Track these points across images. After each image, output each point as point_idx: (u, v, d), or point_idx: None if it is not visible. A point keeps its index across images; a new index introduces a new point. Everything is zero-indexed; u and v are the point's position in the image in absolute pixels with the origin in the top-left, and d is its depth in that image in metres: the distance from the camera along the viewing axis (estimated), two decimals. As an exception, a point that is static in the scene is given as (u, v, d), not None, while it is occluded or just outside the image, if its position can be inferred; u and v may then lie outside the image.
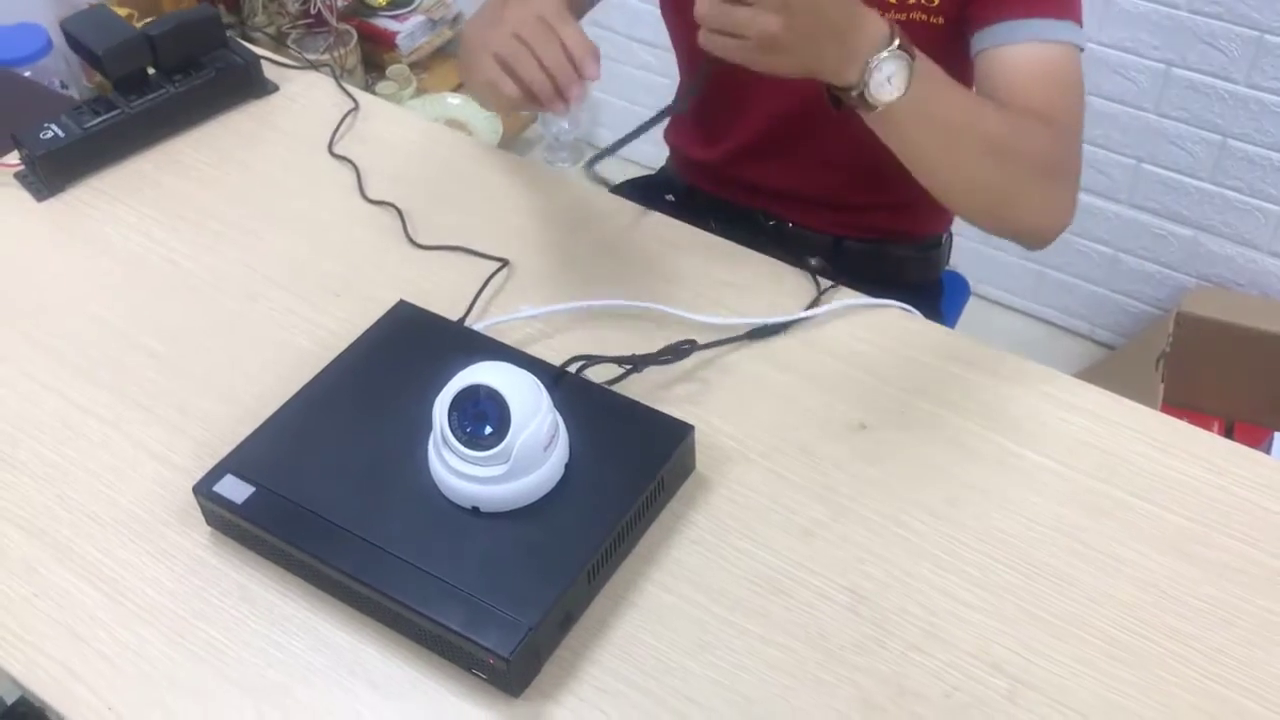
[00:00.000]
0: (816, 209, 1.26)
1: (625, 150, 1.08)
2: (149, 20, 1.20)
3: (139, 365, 1.01)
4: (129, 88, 1.20)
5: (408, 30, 2.62)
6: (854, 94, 0.86)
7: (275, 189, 1.19)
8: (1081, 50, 1.01)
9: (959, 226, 1.37)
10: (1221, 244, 1.98)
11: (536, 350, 0.97)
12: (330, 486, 0.84)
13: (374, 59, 2.63)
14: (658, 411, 0.89)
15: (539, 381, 0.83)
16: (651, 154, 1.43)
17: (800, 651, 0.80)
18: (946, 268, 1.41)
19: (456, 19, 2.74)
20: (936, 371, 0.99)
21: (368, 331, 0.96)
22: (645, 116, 1.04)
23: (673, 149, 1.42)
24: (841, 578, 0.84)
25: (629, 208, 1.16)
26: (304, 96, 1.32)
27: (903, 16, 1.04)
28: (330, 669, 0.80)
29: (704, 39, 0.83)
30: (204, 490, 0.84)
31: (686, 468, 0.90)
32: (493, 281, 1.06)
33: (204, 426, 0.95)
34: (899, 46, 0.85)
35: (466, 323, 1.00)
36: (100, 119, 1.18)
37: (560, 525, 0.82)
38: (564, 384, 0.91)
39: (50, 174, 1.17)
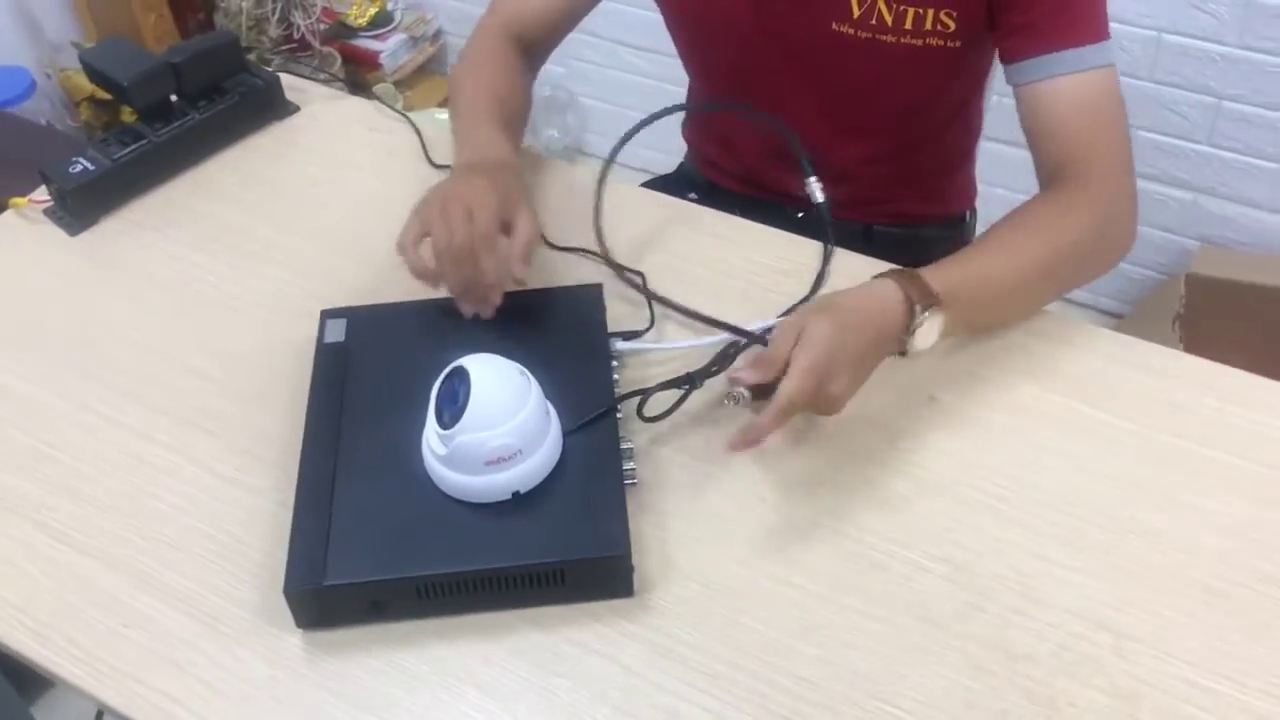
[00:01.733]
0: (842, 204, 1.26)
1: (632, 159, 1.11)
2: (168, 48, 1.19)
3: (195, 390, 1.00)
4: (154, 116, 1.20)
5: (390, 49, 2.62)
6: (906, 354, 0.92)
7: (307, 205, 1.19)
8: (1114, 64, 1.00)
9: (979, 200, 1.38)
10: (1222, 205, 2.01)
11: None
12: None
13: (358, 79, 2.62)
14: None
15: (517, 365, 0.85)
16: (659, 160, 1.44)
17: (904, 624, 0.81)
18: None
19: (437, 35, 2.74)
20: (997, 340, 0.99)
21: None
22: (633, 121, 1.06)
23: (690, 146, 1.42)
24: (934, 548, 0.85)
25: (659, 198, 1.16)
26: (325, 114, 1.32)
27: (919, 43, 1.05)
28: (436, 678, 0.79)
29: (774, 422, 0.85)
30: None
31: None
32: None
33: (268, 444, 0.95)
34: (922, 309, 0.89)
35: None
36: (128, 149, 1.17)
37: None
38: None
39: (82, 207, 1.16)
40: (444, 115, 2.59)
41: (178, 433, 0.97)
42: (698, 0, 1.15)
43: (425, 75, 2.74)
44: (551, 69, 2.69)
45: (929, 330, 0.90)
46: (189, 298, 1.10)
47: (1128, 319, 2.08)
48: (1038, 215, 0.97)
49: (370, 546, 0.81)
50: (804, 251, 1.09)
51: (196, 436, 0.96)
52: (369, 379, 0.90)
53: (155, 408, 0.99)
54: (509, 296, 1.00)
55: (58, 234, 1.17)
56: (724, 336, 0.98)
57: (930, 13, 1.03)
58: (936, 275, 0.91)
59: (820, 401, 0.86)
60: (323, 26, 2.57)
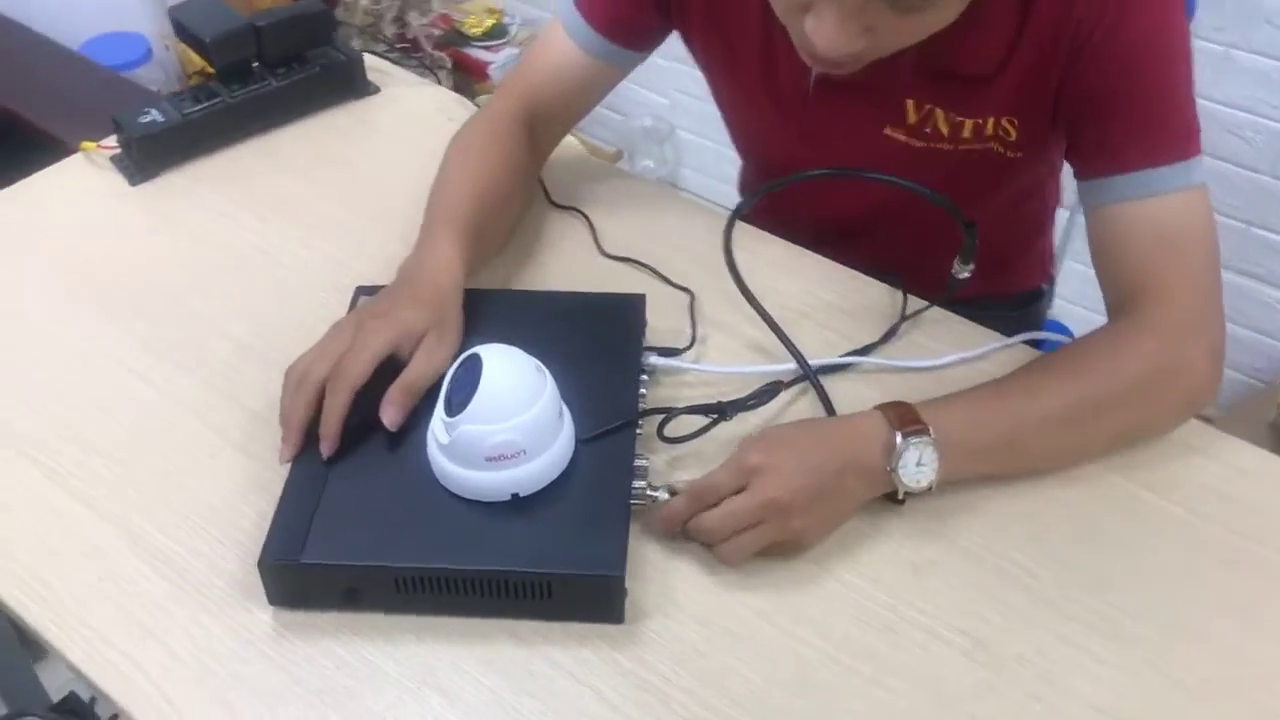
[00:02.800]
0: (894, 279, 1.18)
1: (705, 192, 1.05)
2: (258, 12, 1.18)
3: (224, 353, 0.98)
4: (231, 77, 1.19)
5: (500, 62, 2.62)
6: (903, 494, 0.82)
7: (373, 187, 1.17)
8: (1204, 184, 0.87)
9: (1061, 275, 1.30)
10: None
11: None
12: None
13: (465, 88, 2.63)
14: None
15: (536, 362, 0.80)
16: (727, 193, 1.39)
17: (911, 695, 0.74)
18: (1049, 318, 1.35)
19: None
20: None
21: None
22: (730, 160, 1.04)
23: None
24: (956, 619, 0.78)
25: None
26: (406, 99, 1.30)
27: (979, 147, 0.96)
28: (402, 677, 0.75)
29: (721, 555, 0.80)
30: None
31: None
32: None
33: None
34: (905, 434, 0.79)
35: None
36: (200, 106, 1.16)
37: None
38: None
39: (145, 158, 1.15)
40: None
41: (197, 393, 0.94)
42: (748, 100, 1.08)
43: (533, 91, 2.74)
44: (654, 99, 2.67)
45: (919, 465, 0.79)
46: (235, 260, 1.08)
47: (1218, 423, 1.96)
48: (1080, 354, 0.86)
49: (355, 530, 0.77)
50: (871, 294, 1.03)
51: (214, 399, 0.94)
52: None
53: (180, 364, 0.97)
54: (547, 296, 0.96)
55: (119, 181, 1.16)
56: (766, 368, 0.93)
57: (990, 121, 0.93)
58: (929, 406, 0.81)
59: (781, 532, 0.78)
60: (437, 33, 2.59)
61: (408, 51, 2.54)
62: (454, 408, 0.77)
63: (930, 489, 0.80)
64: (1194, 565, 0.81)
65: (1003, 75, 0.90)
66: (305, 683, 0.75)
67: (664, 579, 0.80)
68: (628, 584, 0.78)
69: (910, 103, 0.94)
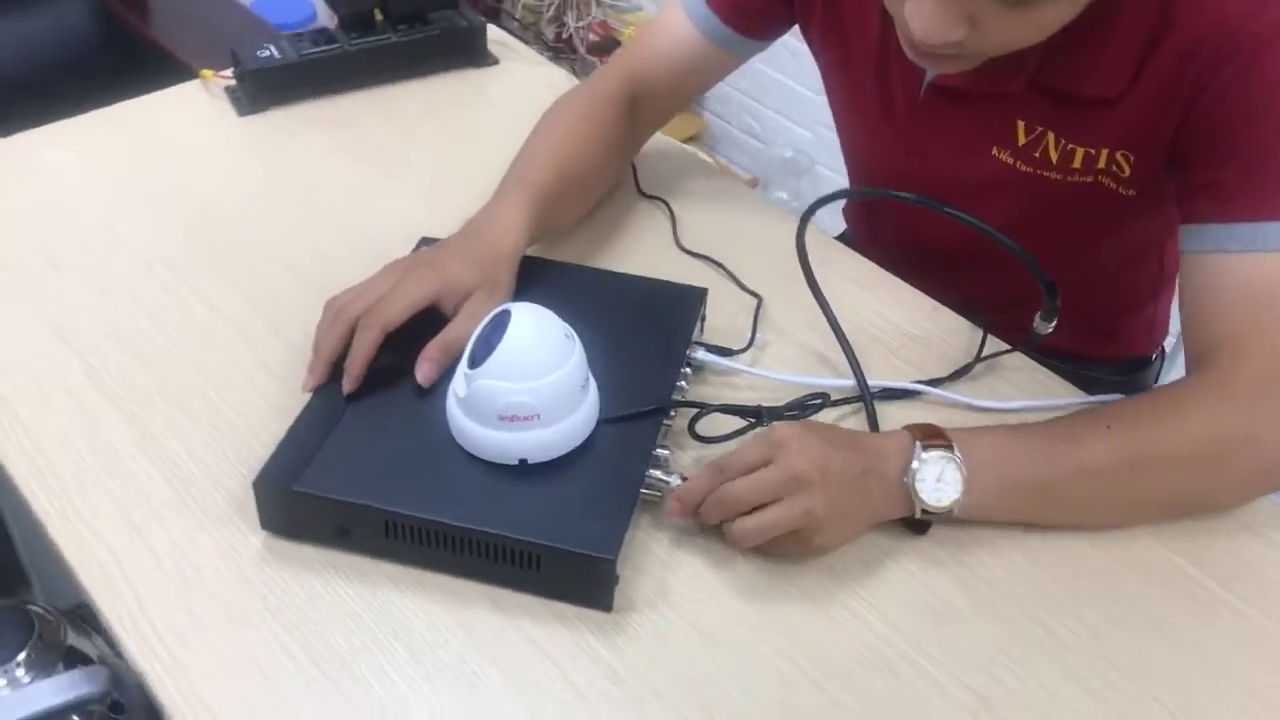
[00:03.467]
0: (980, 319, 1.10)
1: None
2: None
3: (284, 284, 0.98)
4: (353, 26, 1.20)
5: (651, 74, 2.62)
6: (920, 513, 0.76)
7: (472, 155, 1.16)
8: None
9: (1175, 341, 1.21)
10: None
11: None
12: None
13: (613, 95, 2.63)
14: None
15: (567, 328, 0.77)
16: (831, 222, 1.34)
17: (897, 743, 0.68)
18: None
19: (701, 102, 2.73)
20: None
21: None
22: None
23: (849, 224, 1.31)
24: (967, 674, 0.71)
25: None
26: (522, 75, 1.29)
27: (1088, 179, 0.89)
28: (374, 624, 0.72)
29: (736, 533, 0.75)
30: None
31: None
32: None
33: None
34: (926, 445, 0.75)
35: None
36: (318, 49, 1.18)
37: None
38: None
39: (257, 91, 1.17)
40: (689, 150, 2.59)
41: (247, 317, 0.94)
42: (859, 103, 1.03)
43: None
44: (798, 133, 2.63)
45: (939, 482, 0.74)
46: (317, 200, 1.08)
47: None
48: (1140, 406, 0.79)
49: (356, 468, 0.75)
50: (952, 329, 0.98)
51: (262, 326, 0.93)
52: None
53: (238, 288, 0.97)
54: (607, 275, 0.93)
55: (229, 111, 1.18)
56: (820, 380, 0.88)
57: (1104, 152, 0.87)
58: (962, 431, 0.77)
59: (800, 515, 0.73)
60: (594, 38, 2.61)
61: (561, 52, 2.56)
62: (475, 361, 0.74)
63: (951, 511, 0.75)
64: (1246, 668, 0.73)
65: (1122, 104, 0.83)
66: (276, 611, 0.73)
67: (663, 575, 0.76)
68: (623, 573, 0.74)
69: (1021, 123, 0.89)
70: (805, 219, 0.90)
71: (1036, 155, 0.90)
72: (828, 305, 0.88)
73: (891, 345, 0.95)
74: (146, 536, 0.76)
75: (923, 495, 0.74)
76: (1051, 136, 0.88)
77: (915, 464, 0.74)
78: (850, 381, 0.88)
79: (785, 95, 2.52)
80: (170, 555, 0.76)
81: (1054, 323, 0.88)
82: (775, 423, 0.77)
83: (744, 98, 2.65)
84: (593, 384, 0.79)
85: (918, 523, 0.77)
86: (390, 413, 0.79)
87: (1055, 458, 0.76)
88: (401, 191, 1.09)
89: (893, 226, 1.11)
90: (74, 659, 0.90)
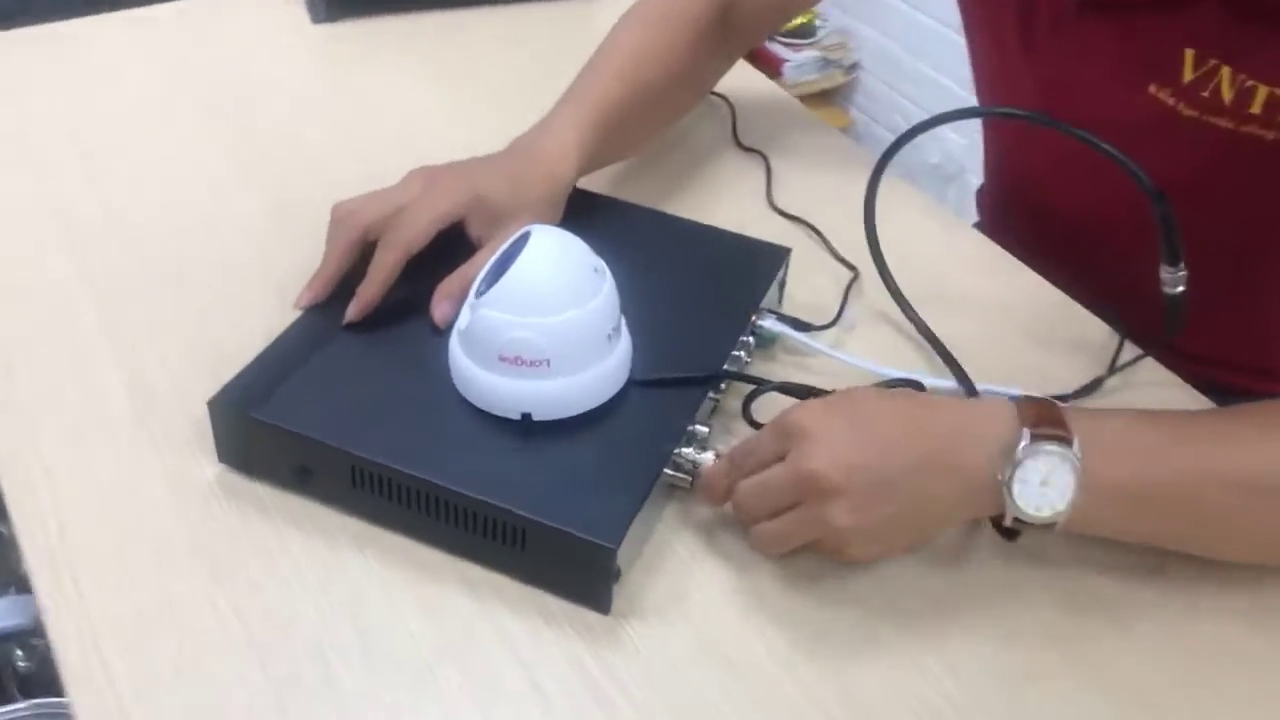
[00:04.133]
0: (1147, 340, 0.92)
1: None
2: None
3: (318, 198, 0.85)
4: (449, -62, 1.09)
5: (798, 61, 2.47)
6: (1012, 519, 0.58)
7: (555, 91, 1.03)
8: None
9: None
10: None
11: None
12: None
13: (754, 81, 2.49)
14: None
15: (598, 262, 0.63)
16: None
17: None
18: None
19: (853, 67, 2.56)
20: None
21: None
22: None
23: (981, 213, 1.14)
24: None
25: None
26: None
27: (1269, 135, 0.71)
28: (322, 588, 0.60)
29: (752, 541, 0.62)
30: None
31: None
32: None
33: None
34: (1036, 435, 0.56)
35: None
36: (406, -42, 1.07)
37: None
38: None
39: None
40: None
41: (269, 230, 0.83)
42: (995, 28, 0.87)
43: (825, 103, 2.57)
44: (953, 139, 2.44)
45: (1043, 485, 0.56)
46: (375, 116, 0.97)
47: None
48: None
49: (328, 401, 0.63)
50: (1084, 331, 0.80)
51: (282, 240, 0.82)
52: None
53: (269, 197, 0.86)
54: (675, 221, 0.79)
55: (302, 17, 1.08)
56: (912, 376, 0.72)
57: None
58: (1084, 414, 0.59)
59: (817, 526, 0.58)
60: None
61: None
62: (483, 288, 0.61)
63: (1053, 526, 0.58)
64: None
65: None
66: (212, 555, 0.61)
67: (681, 579, 0.61)
68: (630, 570, 0.60)
69: (1190, 53, 0.71)
70: (886, 157, 0.74)
71: (1205, 95, 0.72)
72: (894, 284, 0.72)
73: (1011, 345, 0.79)
74: (88, 449, 0.66)
75: (1019, 502, 0.57)
76: (1227, 71, 0.71)
77: (1018, 456, 0.56)
78: (951, 383, 0.72)
79: (938, 94, 2.33)
80: (109, 475, 0.64)
81: (1183, 269, 0.68)
82: (800, 402, 0.61)
83: (893, 93, 2.48)
84: (625, 336, 0.65)
85: (1006, 531, 0.61)
86: (386, 347, 0.67)
87: (1202, 460, 0.59)
88: (472, 124, 0.97)
89: (1020, 200, 0.94)
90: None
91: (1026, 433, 0.56)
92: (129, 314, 0.75)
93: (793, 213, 0.88)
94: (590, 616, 0.59)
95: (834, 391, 0.63)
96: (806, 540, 0.59)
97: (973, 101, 0.89)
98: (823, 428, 0.57)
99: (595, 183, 0.83)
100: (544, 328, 0.59)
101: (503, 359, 0.60)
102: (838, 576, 0.61)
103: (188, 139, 0.91)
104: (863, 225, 0.78)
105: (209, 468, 0.65)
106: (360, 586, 0.60)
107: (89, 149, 0.90)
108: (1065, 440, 0.56)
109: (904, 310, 0.73)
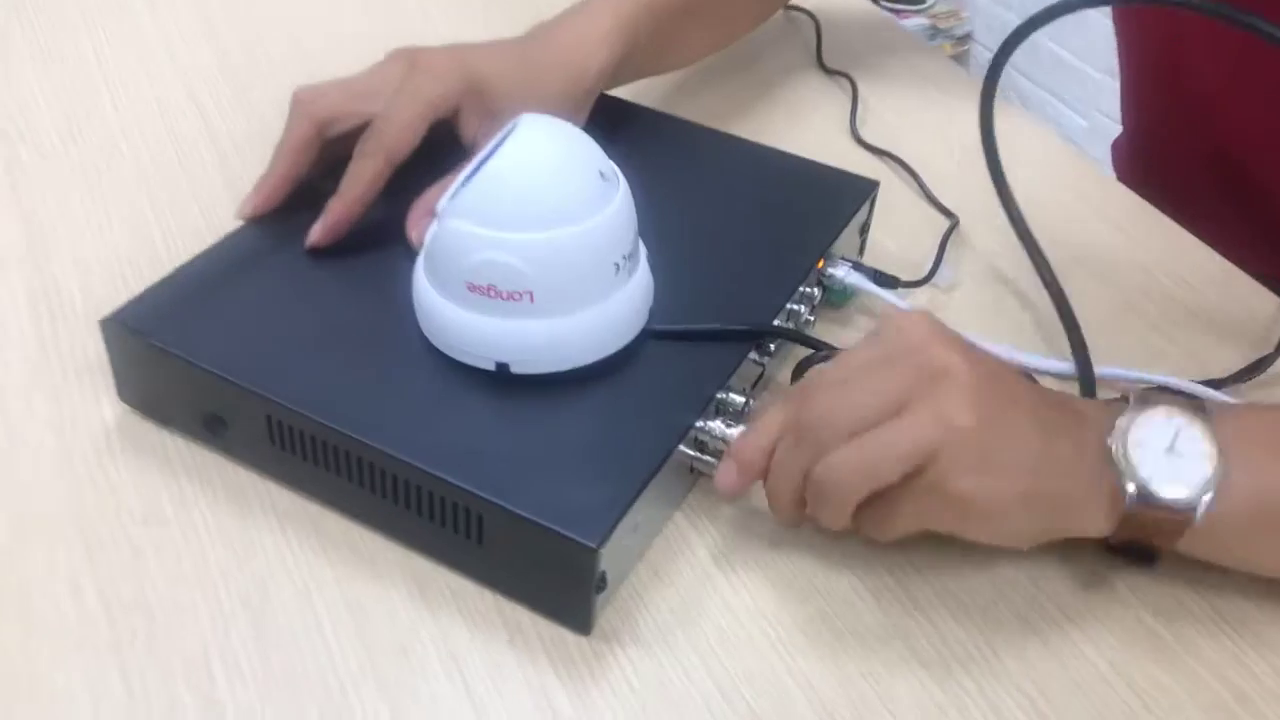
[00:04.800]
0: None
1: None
2: None
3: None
4: None
5: (906, 28, 2.28)
6: (1131, 504, 0.42)
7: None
8: None
9: None
10: None
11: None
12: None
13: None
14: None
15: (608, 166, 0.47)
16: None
17: None
18: None
19: (964, 38, 2.36)
20: None
21: None
22: None
23: (1117, 166, 0.96)
24: None
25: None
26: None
27: None
28: (221, 575, 0.45)
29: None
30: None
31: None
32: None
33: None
34: (1143, 402, 0.44)
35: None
36: None
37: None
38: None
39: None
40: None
41: (239, 144, 0.69)
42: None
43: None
44: (1072, 118, 2.23)
45: (1169, 447, 0.42)
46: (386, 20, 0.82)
47: None
48: None
49: (251, 332, 0.49)
50: (1244, 298, 0.62)
51: (254, 159, 0.68)
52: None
53: (248, 106, 0.72)
54: (736, 143, 0.63)
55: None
56: (1025, 356, 0.56)
57: None
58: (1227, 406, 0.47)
59: (927, 436, 0.41)
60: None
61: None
62: (455, 191, 0.46)
63: (1194, 512, 0.41)
64: None
65: None
66: (90, 522, 0.47)
67: (698, 592, 0.46)
68: (621, 576, 0.45)
69: None
70: (1003, 55, 0.57)
71: None
72: (1026, 229, 0.55)
73: (1154, 317, 0.61)
74: (-35, 379, 0.52)
75: (1139, 469, 0.41)
76: None
77: (1124, 418, 0.43)
78: (1065, 364, 0.55)
79: (1057, 69, 2.12)
80: (-14, 412, 0.51)
81: None
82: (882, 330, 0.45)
83: (1007, 67, 2.27)
84: (644, 271, 0.49)
85: (1138, 548, 0.44)
86: (341, 274, 0.52)
87: None
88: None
89: (1173, 143, 0.77)
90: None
91: (1133, 399, 0.44)
92: (49, 207, 0.62)
93: (882, 147, 0.71)
94: (568, 638, 0.44)
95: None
96: (908, 463, 0.41)
97: (1095, 78, 0.71)
98: (928, 323, 0.44)
99: (638, 100, 0.67)
100: (526, 247, 0.44)
101: (472, 288, 0.45)
102: (912, 612, 0.45)
103: (171, 38, 0.78)
104: (967, 166, 0.61)
105: (108, 408, 0.51)
106: (268, 571, 0.45)
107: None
108: (1199, 407, 0.43)
109: (1041, 272, 0.55)
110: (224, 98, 0.72)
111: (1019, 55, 0.58)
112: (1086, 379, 0.53)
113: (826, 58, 0.79)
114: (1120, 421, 0.43)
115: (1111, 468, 0.42)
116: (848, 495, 0.42)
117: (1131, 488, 0.42)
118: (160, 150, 0.67)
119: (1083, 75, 2.08)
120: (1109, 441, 0.43)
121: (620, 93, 0.65)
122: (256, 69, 0.75)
